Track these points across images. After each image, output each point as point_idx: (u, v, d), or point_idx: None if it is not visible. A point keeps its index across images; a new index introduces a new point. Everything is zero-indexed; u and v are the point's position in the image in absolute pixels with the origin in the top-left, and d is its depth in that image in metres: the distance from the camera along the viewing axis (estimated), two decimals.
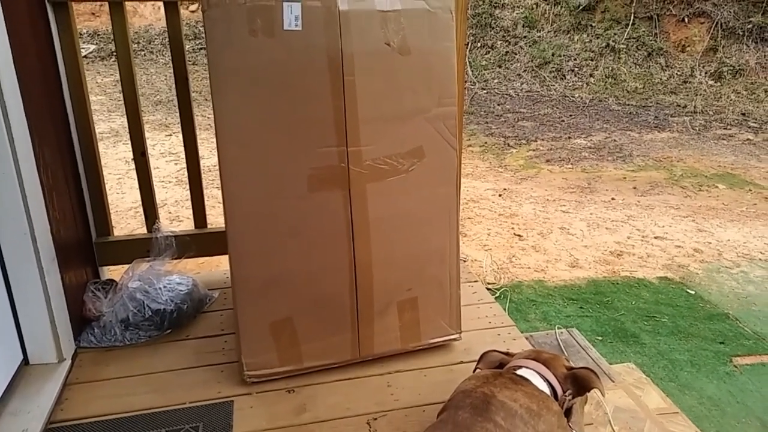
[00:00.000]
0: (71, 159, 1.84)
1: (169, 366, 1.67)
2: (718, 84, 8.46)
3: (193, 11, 8.82)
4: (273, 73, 1.43)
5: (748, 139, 6.84)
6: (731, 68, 8.58)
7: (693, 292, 3.39)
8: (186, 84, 1.91)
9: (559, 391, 1.31)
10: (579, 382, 1.33)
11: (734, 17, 9.02)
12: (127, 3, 1.83)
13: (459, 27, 1.67)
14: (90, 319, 1.79)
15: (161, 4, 1.88)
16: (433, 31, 1.54)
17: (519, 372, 1.31)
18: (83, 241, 1.91)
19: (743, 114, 7.66)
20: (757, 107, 7.85)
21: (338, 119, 1.48)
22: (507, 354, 1.44)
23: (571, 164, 5.84)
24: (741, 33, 8.90)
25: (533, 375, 1.30)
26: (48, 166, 1.62)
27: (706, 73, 8.64)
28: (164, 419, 1.46)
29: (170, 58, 1.90)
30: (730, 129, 7.20)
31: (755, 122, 7.42)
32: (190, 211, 2.12)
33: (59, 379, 1.56)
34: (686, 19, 9.20)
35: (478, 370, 1.41)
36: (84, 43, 8.44)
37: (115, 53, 1.88)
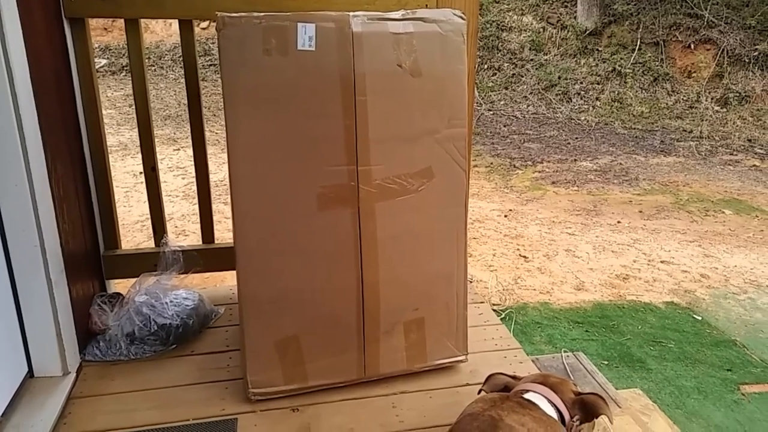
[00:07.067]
0: (82, 171, 1.85)
1: (174, 382, 1.66)
2: (724, 110, 8.49)
3: (203, 28, 8.92)
4: (286, 92, 1.44)
5: (754, 165, 6.84)
6: (737, 95, 8.61)
7: (700, 318, 3.36)
8: (198, 100, 1.93)
9: (567, 416, 1.29)
10: (587, 408, 1.32)
11: (740, 44, 9.08)
12: (141, 19, 1.85)
13: (469, 50, 1.69)
14: (96, 332, 1.78)
15: (174, 20, 1.89)
16: (445, 53, 1.55)
17: (526, 396, 1.30)
18: (91, 253, 1.92)
19: (749, 140, 7.67)
20: (764, 134, 7.86)
21: (349, 138, 1.49)
22: (513, 377, 1.42)
23: (577, 186, 5.85)
24: (747, 60, 8.95)
25: (541, 399, 1.29)
26: (59, 179, 1.63)
27: (712, 98, 8.68)
28: None
29: (180, 73, 1.93)
30: (736, 155, 7.20)
31: (761, 149, 7.42)
32: (197, 226, 2.13)
33: (63, 393, 1.55)
34: (692, 46, 9.27)
35: (482, 393, 1.40)
36: (96, 57, 8.53)
37: (125, 68, 1.90)
